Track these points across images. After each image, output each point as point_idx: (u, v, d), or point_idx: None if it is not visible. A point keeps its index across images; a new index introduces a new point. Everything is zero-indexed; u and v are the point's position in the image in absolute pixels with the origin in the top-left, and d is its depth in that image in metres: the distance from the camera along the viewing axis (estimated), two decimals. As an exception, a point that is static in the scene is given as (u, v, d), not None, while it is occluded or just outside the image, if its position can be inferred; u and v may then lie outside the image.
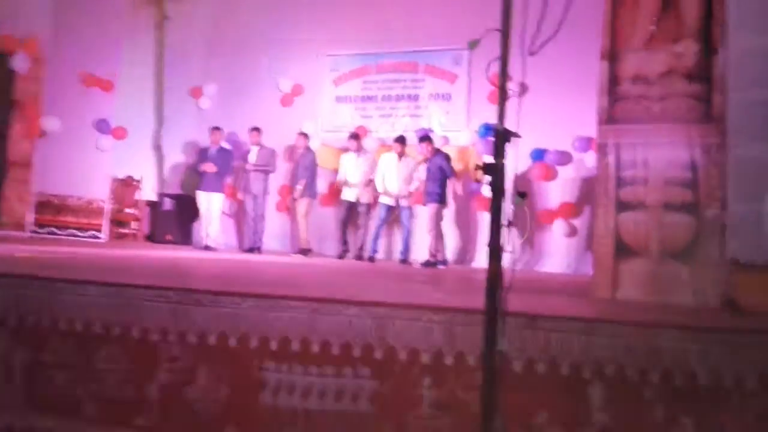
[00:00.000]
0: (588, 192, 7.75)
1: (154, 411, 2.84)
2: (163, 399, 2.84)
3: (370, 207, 8.58)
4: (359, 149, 8.65)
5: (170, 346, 2.89)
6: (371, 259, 8.11)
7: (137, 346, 2.92)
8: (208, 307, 2.89)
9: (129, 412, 2.86)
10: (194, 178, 9.25)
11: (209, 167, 8.75)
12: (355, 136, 8.72)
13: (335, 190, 9.05)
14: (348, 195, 8.60)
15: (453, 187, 7.98)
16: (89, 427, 2.90)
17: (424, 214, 8.10)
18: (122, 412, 2.87)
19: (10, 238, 7.93)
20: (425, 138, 8.14)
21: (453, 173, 7.86)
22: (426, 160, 8.01)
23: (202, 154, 8.98)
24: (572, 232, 8.09)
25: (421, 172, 8.14)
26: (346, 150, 8.78)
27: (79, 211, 8.86)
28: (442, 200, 7.85)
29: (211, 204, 8.86)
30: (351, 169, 8.57)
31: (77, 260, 5.18)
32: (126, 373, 2.92)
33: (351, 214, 8.61)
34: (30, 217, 8.55)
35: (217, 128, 9.00)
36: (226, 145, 9.24)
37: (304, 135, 8.91)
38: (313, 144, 9.13)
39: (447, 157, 7.95)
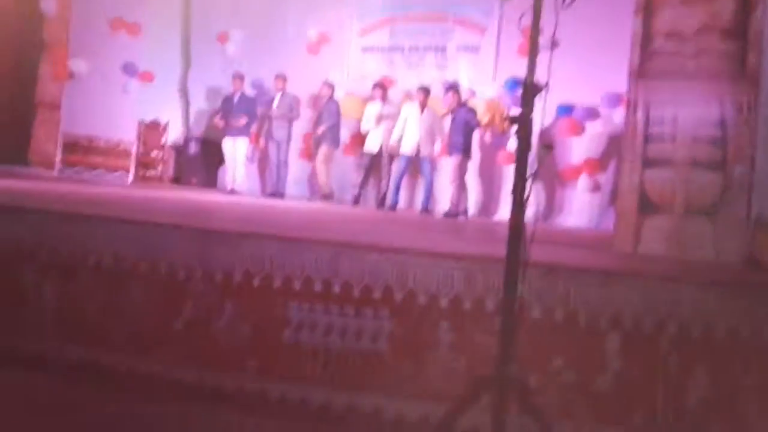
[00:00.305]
0: (614, 148, 7.67)
1: (179, 344, 2.93)
2: (188, 333, 2.93)
3: (392, 157, 8.57)
4: (384, 99, 8.60)
5: (196, 283, 2.96)
6: (393, 208, 8.14)
7: (165, 282, 3.00)
8: (234, 248, 2.95)
9: (156, 344, 2.95)
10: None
11: (219, 122, 8.83)
12: (381, 86, 8.66)
13: (358, 140, 9.04)
14: (370, 145, 8.59)
15: (481, 136, 7.88)
16: (117, 355, 3.00)
17: (447, 165, 8.09)
18: (149, 343, 2.96)
19: (39, 176, 8.08)
20: (451, 88, 8.04)
21: (478, 125, 7.78)
22: (451, 111, 7.96)
23: (226, 103, 9.02)
24: (596, 187, 8.06)
25: (445, 125, 8.09)
26: (371, 99, 8.74)
27: (106, 153, 8.99)
28: (466, 152, 7.81)
29: (236, 149, 8.94)
30: (375, 119, 8.53)
31: (105, 199, 5.28)
32: (154, 308, 3.00)
33: (373, 164, 8.62)
34: (58, 157, 8.69)
35: (239, 75, 9.02)
36: (249, 92, 9.25)
37: (329, 85, 8.89)
38: (338, 93, 9.10)
39: (472, 110, 7.88)
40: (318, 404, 2.73)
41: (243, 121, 8.80)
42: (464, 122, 7.71)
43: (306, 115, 9.31)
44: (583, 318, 2.59)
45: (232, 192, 8.75)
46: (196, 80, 10.40)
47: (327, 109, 8.76)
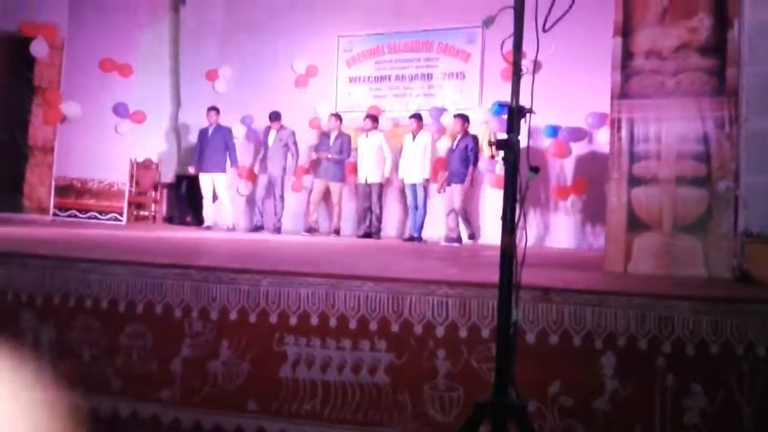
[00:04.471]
0: (600, 168, 7.73)
1: (178, 385, 2.93)
2: (186, 373, 2.93)
3: (382, 186, 8.61)
4: (370, 129, 8.64)
5: (193, 322, 2.96)
6: (419, 240, 8.17)
7: (161, 323, 3.00)
8: (229, 285, 2.96)
9: (154, 387, 2.95)
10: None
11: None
12: (372, 117, 8.71)
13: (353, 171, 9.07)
14: (361, 176, 8.64)
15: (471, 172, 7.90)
16: (116, 401, 2.99)
17: (449, 193, 8.10)
18: (147, 386, 2.96)
19: (34, 221, 8.09)
20: (460, 116, 8.09)
21: (476, 159, 7.87)
22: (454, 139, 8.03)
23: (202, 137, 9.06)
24: (584, 207, 8.11)
25: (436, 151, 8.20)
26: (362, 131, 8.78)
27: (99, 195, 9.00)
28: (465, 180, 7.87)
29: (216, 184, 8.95)
30: (362, 149, 8.60)
31: (100, 241, 5.29)
32: (150, 349, 3.00)
33: (369, 195, 8.64)
34: (52, 201, 8.69)
35: (213, 108, 9.05)
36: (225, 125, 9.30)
37: (337, 116, 8.90)
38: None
39: (475, 139, 7.95)
40: (318, 441, 2.73)
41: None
42: (466, 151, 7.78)
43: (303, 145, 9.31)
44: (578, 340, 2.61)
45: (211, 228, 8.77)
46: (187, 118, 10.47)
47: (340, 142, 8.73)
